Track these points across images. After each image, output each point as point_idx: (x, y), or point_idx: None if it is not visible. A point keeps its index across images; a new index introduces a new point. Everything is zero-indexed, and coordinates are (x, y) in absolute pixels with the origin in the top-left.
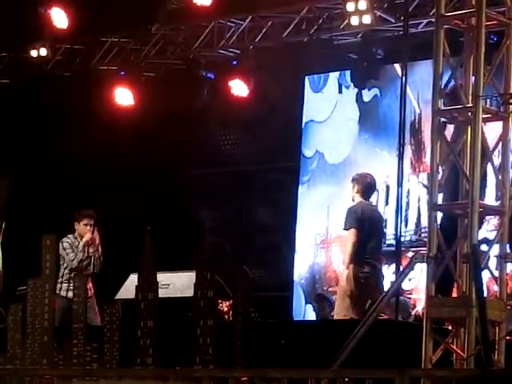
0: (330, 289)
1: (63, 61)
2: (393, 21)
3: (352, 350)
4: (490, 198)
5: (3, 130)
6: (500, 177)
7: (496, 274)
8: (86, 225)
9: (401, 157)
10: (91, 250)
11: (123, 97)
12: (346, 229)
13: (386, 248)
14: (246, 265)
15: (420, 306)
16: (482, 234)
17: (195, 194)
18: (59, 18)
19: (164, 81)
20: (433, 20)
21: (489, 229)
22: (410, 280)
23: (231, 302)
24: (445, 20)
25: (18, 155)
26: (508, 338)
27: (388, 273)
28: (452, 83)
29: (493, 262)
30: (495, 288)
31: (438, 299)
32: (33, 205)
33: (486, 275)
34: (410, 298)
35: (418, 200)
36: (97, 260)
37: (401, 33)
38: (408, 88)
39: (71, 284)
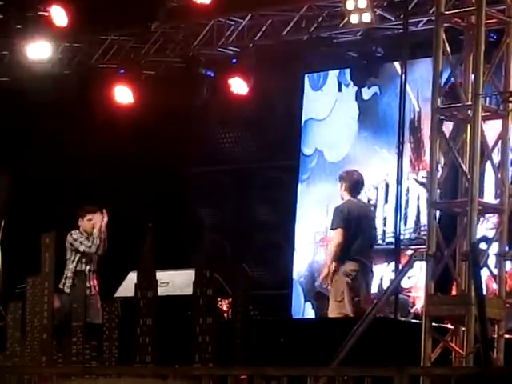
0: (329, 287)
1: (63, 59)
2: (392, 19)
3: (351, 348)
4: (490, 196)
5: (3, 128)
6: (499, 175)
7: (495, 272)
8: (89, 220)
9: (400, 155)
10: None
11: (123, 95)
12: (332, 228)
13: (385, 246)
14: (245, 263)
15: (419, 304)
16: (482, 232)
17: (195, 192)
18: (59, 16)
19: (164, 79)
20: (433, 18)
21: (488, 227)
22: (409, 278)
23: (230, 300)
24: (445, 18)
25: (18, 153)
26: (507, 335)
27: (387, 271)
28: (451, 80)
29: (492, 260)
30: (494, 286)
31: (437, 297)
32: (32, 203)
33: (485, 273)
34: (409, 296)
35: (418, 198)
36: (102, 242)
37: (400, 31)
38: (408, 86)
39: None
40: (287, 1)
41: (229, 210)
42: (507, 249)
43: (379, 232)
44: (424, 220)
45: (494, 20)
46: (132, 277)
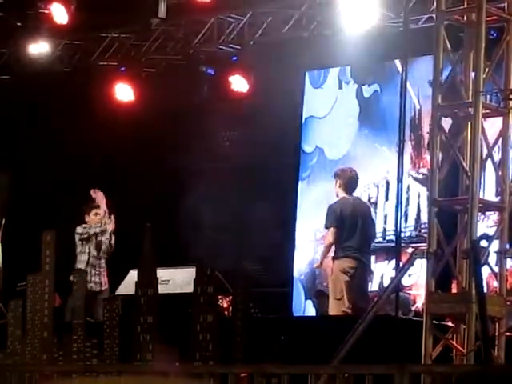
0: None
1: (63, 56)
2: (393, 16)
3: (352, 346)
4: (490, 194)
5: (3, 126)
6: (500, 172)
7: (496, 269)
8: (96, 214)
9: (401, 153)
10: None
11: (123, 92)
12: (326, 227)
13: (386, 244)
14: (245, 260)
15: (420, 302)
16: (482, 229)
17: (194, 190)
18: (59, 14)
19: (164, 76)
20: (433, 16)
21: (489, 225)
22: (409, 276)
23: (231, 297)
24: (445, 15)
25: (18, 151)
26: (508, 333)
27: (388, 269)
28: (447, 76)
29: (493, 258)
30: (495, 284)
31: (438, 295)
32: (32, 201)
33: (485, 271)
34: (409, 294)
35: (418, 196)
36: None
37: (401, 28)
38: (408, 84)
39: (88, 275)
40: None
41: (229, 207)
42: (508, 246)
43: (380, 230)
44: (424, 218)
45: (494, 17)
46: (133, 275)
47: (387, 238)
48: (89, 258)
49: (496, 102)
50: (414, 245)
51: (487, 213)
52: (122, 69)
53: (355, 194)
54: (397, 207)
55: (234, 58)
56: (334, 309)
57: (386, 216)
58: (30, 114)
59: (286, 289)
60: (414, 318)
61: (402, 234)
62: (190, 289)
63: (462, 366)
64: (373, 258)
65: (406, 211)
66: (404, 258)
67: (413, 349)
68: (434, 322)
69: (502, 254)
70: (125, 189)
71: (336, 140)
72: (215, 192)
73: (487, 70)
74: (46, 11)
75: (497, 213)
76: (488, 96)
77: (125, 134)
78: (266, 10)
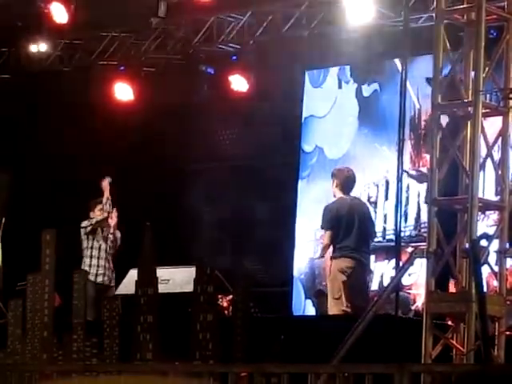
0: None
1: (63, 56)
2: (393, 15)
3: (352, 345)
4: (490, 193)
5: (3, 125)
6: (500, 172)
7: (496, 269)
8: (100, 209)
9: (400, 152)
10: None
11: (123, 92)
12: (322, 228)
13: (386, 243)
14: (245, 260)
15: (420, 302)
16: (482, 229)
17: (194, 189)
18: (59, 13)
19: (164, 76)
20: (433, 15)
21: (488, 224)
22: (409, 275)
23: (231, 297)
24: (445, 14)
25: (18, 150)
26: (508, 333)
27: (388, 268)
28: (447, 75)
29: (492, 257)
30: (495, 283)
31: (438, 294)
32: (32, 200)
33: (485, 270)
34: (409, 294)
35: (418, 195)
36: (112, 242)
37: (401, 27)
38: (408, 83)
39: (100, 268)
40: None
41: (229, 206)
42: (508, 246)
43: (379, 229)
44: (424, 217)
45: (494, 16)
46: (133, 274)
47: (387, 237)
48: (99, 252)
49: (496, 101)
50: (413, 244)
51: (487, 212)
52: (122, 68)
53: (354, 193)
54: (396, 206)
55: (234, 58)
56: (333, 308)
57: (385, 215)
58: (30, 113)
59: (286, 288)
60: (414, 318)
61: (402, 234)
62: (189, 288)
63: (462, 366)
64: (372, 257)
65: (405, 210)
66: (404, 258)
67: (413, 348)
68: (434, 321)
69: (501, 254)
70: (125, 188)
71: (336, 139)
72: (215, 191)
73: (487, 69)
74: (46, 10)
75: (497, 212)
76: (488, 95)
77: (124, 133)
78: (266, 9)
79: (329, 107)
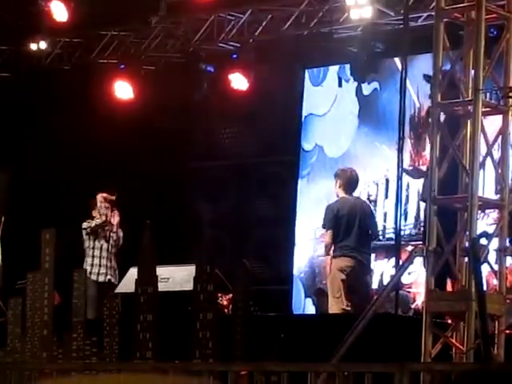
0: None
1: (63, 54)
2: (393, 14)
3: (351, 344)
4: (490, 192)
5: (2, 123)
6: (499, 170)
7: (496, 267)
8: (101, 202)
9: (400, 150)
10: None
11: (123, 90)
12: (323, 227)
13: (386, 242)
14: (245, 258)
15: (419, 300)
16: (482, 227)
17: (195, 187)
18: (59, 11)
19: (164, 74)
20: (433, 13)
21: (488, 222)
22: (409, 274)
23: (231, 295)
24: (444, 13)
25: (17, 149)
26: (507, 331)
27: (387, 266)
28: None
29: (492, 256)
30: (495, 282)
31: (438, 293)
32: (32, 199)
33: (485, 269)
34: (409, 292)
35: (418, 194)
36: (115, 241)
37: (401, 26)
38: (408, 82)
39: (102, 268)
40: None
41: (229, 205)
42: (508, 244)
43: (379, 228)
44: None
45: (493, 15)
46: (132, 272)
47: (387, 235)
48: (101, 251)
49: (496, 100)
50: (413, 243)
51: (487, 211)
52: (122, 66)
53: (356, 193)
54: (396, 205)
55: (234, 56)
56: (333, 307)
57: (385, 214)
58: (30, 111)
59: (286, 287)
60: (414, 316)
61: (402, 232)
62: (189, 287)
63: (462, 364)
64: (372, 255)
65: (405, 209)
66: (403, 256)
67: (412, 347)
68: (434, 319)
69: (501, 252)
70: (124, 186)
71: (336, 138)
72: (215, 189)
73: (487, 67)
74: (46, 9)
75: (496, 210)
76: (488, 94)
77: (124, 131)
78: (266, 7)
79: (329, 106)
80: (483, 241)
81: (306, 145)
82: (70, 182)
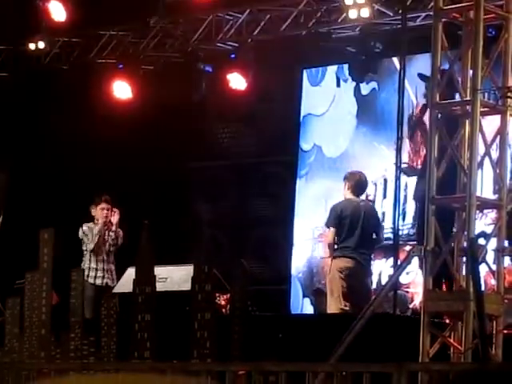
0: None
1: (61, 54)
2: (391, 14)
3: (350, 344)
4: (488, 192)
5: (0, 123)
6: (498, 170)
7: (494, 267)
8: (102, 209)
9: (398, 150)
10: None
11: (121, 90)
12: (326, 226)
13: (384, 242)
14: (243, 258)
15: (418, 300)
16: (480, 227)
17: (193, 187)
18: (57, 11)
19: (162, 74)
20: (431, 13)
21: (486, 222)
22: (407, 274)
23: (229, 295)
24: (443, 13)
25: (16, 148)
26: (505, 331)
27: (386, 266)
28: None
29: (490, 256)
30: (493, 282)
31: (436, 293)
32: (31, 198)
33: (483, 269)
34: (407, 292)
35: None
36: (113, 240)
37: (399, 26)
38: (406, 81)
39: (99, 271)
40: None
41: (227, 205)
42: (506, 244)
43: None
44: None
45: (492, 15)
46: (130, 272)
47: (385, 235)
48: (98, 255)
49: (494, 100)
50: (411, 243)
51: (485, 211)
52: (121, 66)
53: None
54: (394, 205)
55: (233, 56)
56: (331, 307)
57: (383, 214)
58: (28, 111)
59: (284, 286)
60: (412, 316)
61: (400, 232)
62: (187, 287)
63: (460, 364)
64: None
65: (403, 209)
66: (402, 256)
67: (410, 347)
68: (432, 319)
69: (499, 252)
70: (123, 186)
71: (334, 138)
72: (213, 189)
73: (485, 67)
74: (45, 9)
75: (494, 211)
76: (486, 94)
77: (123, 131)
78: (264, 7)
79: (327, 105)
80: (481, 241)
81: (305, 145)
82: (68, 182)
